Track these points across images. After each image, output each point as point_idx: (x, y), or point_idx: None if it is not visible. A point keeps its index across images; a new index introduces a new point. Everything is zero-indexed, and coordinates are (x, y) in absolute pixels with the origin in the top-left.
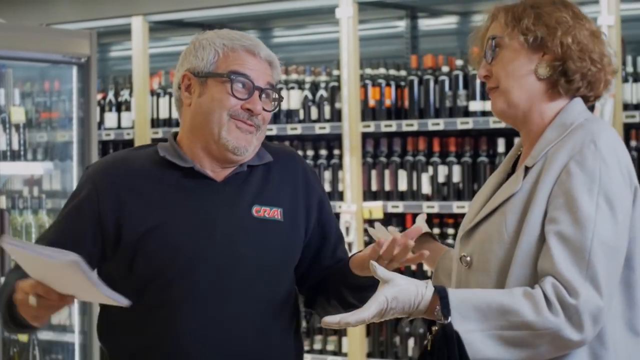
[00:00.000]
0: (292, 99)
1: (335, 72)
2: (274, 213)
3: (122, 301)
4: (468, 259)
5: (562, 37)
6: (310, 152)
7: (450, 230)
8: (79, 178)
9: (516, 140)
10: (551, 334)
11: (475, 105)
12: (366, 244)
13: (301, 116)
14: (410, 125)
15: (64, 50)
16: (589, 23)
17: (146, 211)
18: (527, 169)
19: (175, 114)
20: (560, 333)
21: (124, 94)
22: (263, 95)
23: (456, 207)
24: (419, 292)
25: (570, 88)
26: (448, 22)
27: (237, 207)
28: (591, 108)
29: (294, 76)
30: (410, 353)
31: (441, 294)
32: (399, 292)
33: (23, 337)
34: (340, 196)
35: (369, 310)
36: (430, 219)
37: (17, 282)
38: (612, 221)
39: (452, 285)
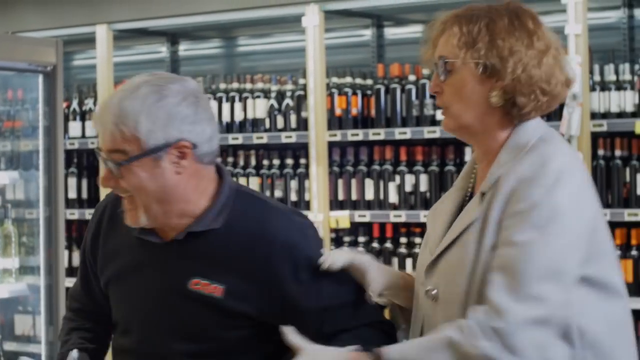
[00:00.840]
0: (258, 108)
1: (301, 81)
2: (214, 290)
3: None
4: (434, 292)
5: (514, 69)
6: (276, 162)
7: (417, 240)
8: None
9: None
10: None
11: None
12: None
13: (267, 125)
14: (377, 134)
15: (29, 58)
16: (542, 40)
17: (107, 259)
18: (482, 195)
19: None
20: (497, 357)
21: (88, 103)
22: (107, 165)
23: (423, 216)
24: (338, 354)
25: (524, 118)
26: (414, 30)
27: (174, 276)
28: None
29: (259, 85)
30: None
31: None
32: (313, 357)
33: None
34: (306, 205)
35: None
36: (398, 228)
37: None
38: (552, 245)
39: (417, 319)
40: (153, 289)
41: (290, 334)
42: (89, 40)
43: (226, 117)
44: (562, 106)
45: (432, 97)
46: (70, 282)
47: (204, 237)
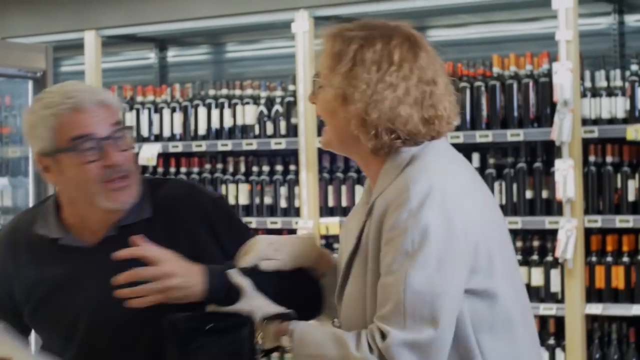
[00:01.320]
0: (247, 114)
1: (290, 87)
2: None
3: None
4: (338, 324)
5: (356, 104)
6: (266, 168)
7: None
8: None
9: (474, 155)
10: None
11: None
12: None
13: (256, 131)
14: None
15: (19, 64)
16: (401, 72)
17: (27, 290)
18: (365, 221)
19: None
20: None
21: None
22: (113, 141)
23: None
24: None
25: (379, 153)
26: None
27: (111, 272)
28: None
29: (249, 91)
30: None
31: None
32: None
33: None
34: (296, 212)
35: None
36: None
37: None
38: (425, 267)
39: None
40: (95, 297)
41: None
42: (77, 47)
43: (215, 124)
44: (553, 112)
45: None
46: None
47: (135, 230)
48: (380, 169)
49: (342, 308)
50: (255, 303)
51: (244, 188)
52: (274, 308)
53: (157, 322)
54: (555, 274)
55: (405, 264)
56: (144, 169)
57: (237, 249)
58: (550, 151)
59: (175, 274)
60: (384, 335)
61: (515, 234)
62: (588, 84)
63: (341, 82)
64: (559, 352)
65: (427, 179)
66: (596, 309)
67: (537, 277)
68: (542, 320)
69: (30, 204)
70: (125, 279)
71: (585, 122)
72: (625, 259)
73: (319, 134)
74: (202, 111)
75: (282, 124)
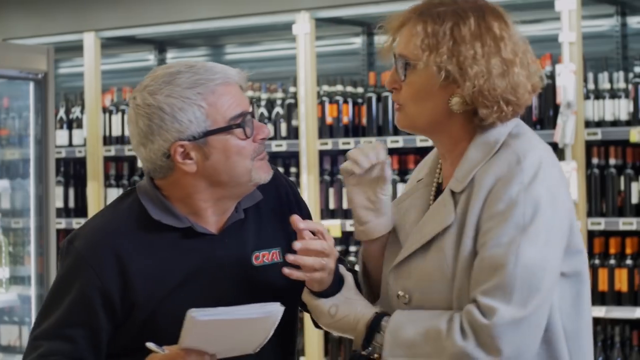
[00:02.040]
0: None
1: (291, 89)
2: (273, 256)
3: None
4: (406, 298)
5: (475, 80)
6: None
7: None
8: (62, 253)
9: None
10: (460, 358)
11: None
12: None
13: None
14: (369, 142)
15: (20, 65)
16: (509, 47)
17: (150, 284)
18: (453, 194)
19: (128, 131)
20: (469, 357)
21: (75, 111)
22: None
23: None
24: (362, 311)
25: (484, 126)
26: None
27: (238, 260)
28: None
29: (249, 93)
30: None
31: (372, 323)
32: (345, 302)
33: None
34: None
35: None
36: None
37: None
38: (535, 242)
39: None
40: (222, 282)
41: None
42: (75, 48)
43: None
44: (556, 114)
45: None
46: None
47: (256, 213)
48: (466, 144)
49: (416, 282)
50: (352, 297)
51: None
52: (370, 308)
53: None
54: None
55: (517, 237)
56: (144, 171)
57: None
58: None
59: (334, 254)
60: (489, 312)
61: None
62: (591, 86)
63: (446, 60)
64: None
65: (537, 155)
66: (599, 311)
67: None
68: None
69: (32, 207)
70: (302, 247)
71: (588, 124)
72: (629, 261)
73: (320, 136)
74: None
75: (283, 126)
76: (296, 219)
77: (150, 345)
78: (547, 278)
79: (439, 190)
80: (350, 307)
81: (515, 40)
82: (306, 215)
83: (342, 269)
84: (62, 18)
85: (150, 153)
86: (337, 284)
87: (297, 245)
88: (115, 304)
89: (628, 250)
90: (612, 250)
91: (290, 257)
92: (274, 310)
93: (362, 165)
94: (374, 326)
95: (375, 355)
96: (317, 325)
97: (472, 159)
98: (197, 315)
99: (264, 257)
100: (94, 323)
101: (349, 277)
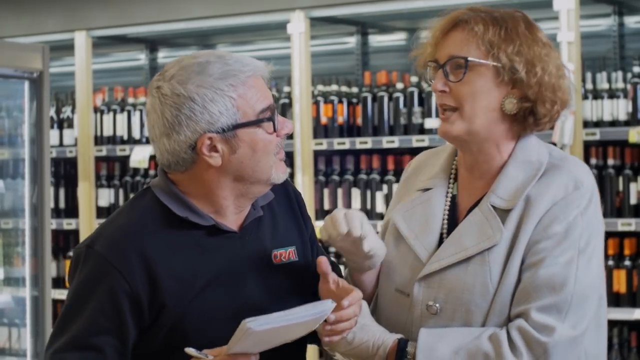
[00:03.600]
0: None
1: (285, 89)
2: (290, 254)
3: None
4: (436, 307)
5: (540, 77)
6: None
7: None
8: (79, 259)
9: None
10: None
11: (431, 123)
12: None
13: None
14: (364, 142)
15: (15, 64)
16: (554, 52)
17: (179, 283)
18: (495, 209)
19: (120, 131)
20: None
21: (66, 111)
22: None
23: None
24: (381, 337)
25: (538, 127)
26: (398, 38)
27: (259, 258)
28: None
29: None
30: None
31: (400, 346)
32: (361, 329)
33: None
34: None
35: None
36: None
37: None
38: (591, 265)
39: (393, 322)
40: (246, 281)
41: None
42: (66, 47)
43: None
44: None
45: (420, 105)
46: (59, 293)
47: (270, 211)
48: (502, 160)
49: (450, 292)
50: (368, 324)
51: None
52: (389, 334)
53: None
54: None
55: (575, 258)
56: (136, 171)
57: (309, 232)
58: None
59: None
60: (546, 330)
61: None
62: (589, 85)
63: (510, 59)
64: None
65: (591, 180)
66: None
67: None
68: None
69: (27, 207)
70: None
71: (586, 124)
72: (627, 262)
73: (315, 136)
74: None
75: None
76: (323, 264)
77: (190, 350)
78: (597, 301)
79: (453, 201)
80: (369, 333)
81: (556, 54)
82: (306, 217)
83: None
84: (53, 17)
85: (175, 145)
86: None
87: (331, 318)
88: (144, 308)
89: (626, 251)
90: (610, 251)
91: (327, 328)
92: (327, 309)
93: (331, 233)
94: (400, 352)
95: None
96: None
97: (516, 177)
98: (254, 326)
99: (282, 255)
100: (122, 330)
101: (364, 305)
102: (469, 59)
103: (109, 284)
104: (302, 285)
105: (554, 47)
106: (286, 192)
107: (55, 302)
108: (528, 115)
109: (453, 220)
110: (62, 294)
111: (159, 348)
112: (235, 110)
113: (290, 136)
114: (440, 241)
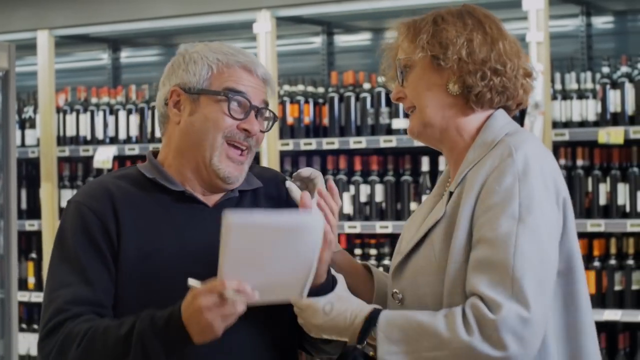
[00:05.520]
0: None
1: None
2: None
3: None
4: (400, 295)
5: (456, 53)
6: None
7: (373, 251)
8: (64, 212)
9: (441, 159)
10: (466, 352)
11: (399, 123)
12: None
13: None
14: (331, 143)
15: None
16: (494, 30)
17: (139, 237)
18: (450, 194)
19: (83, 131)
20: (475, 351)
21: (28, 111)
22: (258, 115)
23: (379, 227)
24: (358, 307)
25: (481, 102)
26: (363, 38)
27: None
28: (520, 124)
29: None
30: None
31: (370, 316)
32: (339, 299)
33: None
34: None
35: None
36: (352, 239)
37: (195, 290)
38: (534, 235)
39: None
40: (215, 252)
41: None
42: (28, 47)
43: None
44: (523, 115)
45: (387, 105)
46: (22, 295)
47: (251, 197)
48: (469, 144)
49: (409, 278)
50: (346, 295)
51: None
52: (367, 305)
53: None
54: None
55: (512, 229)
56: (99, 172)
57: None
58: None
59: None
60: (494, 307)
61: None
62: (558, 86)
63: (428, 44)
64: None
65: (529, 147)
66: None
67: None
68: None
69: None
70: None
71: (555, 124)
72: (596, 263)
73: (281, 136)
74: None
75: None
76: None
77: (191, 281)
78: (549, 273)
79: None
80: (346, 303)
81: (505, 32)
82: None
83: (333, 271)
84: (15, 16)
85: (159, 97)
86: (330, 284)
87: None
88: (114, 242)
89: (596, 252)
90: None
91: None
92: (312, 220)
93: None
94: (371, 319)
95: (371, 353)
96: (301, 346)
97: (470, 158)
98: (234, 218)
99: None
100: (102, 258)
101: (340, 278)
102: (399, 58)
103: (85, 221)
104: None
105: (504, 32)
106: (278, 186)
107: (19, 304)
108: (468, 92)
109: None
110: (23, 296)
111: (125, 296)
112: (207, 78)
113: None
114: None
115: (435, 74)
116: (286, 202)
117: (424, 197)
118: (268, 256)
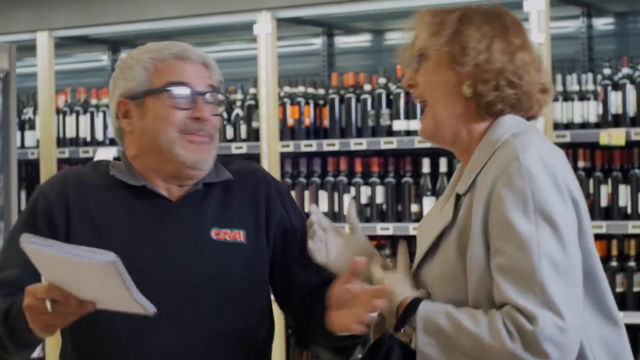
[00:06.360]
0: None
1: (251, 90)
2: (235, 235)
3: (149, 308)
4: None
5: (474, 59)
6: None
7: None
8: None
9: (442, 160)
10: (507, 359)
11: (400, 125)
12: None
13: None
14: (332, 144)
15: None
16: (519, 38)
17: (93, 232)
18: (458, 197)
19: (82, 133)
20: (517, 359)
21: (28, 112)
22: (207, 100)
23: (380, 228)
24: (404, 292)
25: (490, 111)
26: (363, 39)
27: (194, 230)
28: None
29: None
30: None
31: (411, 304)
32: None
33: None
34: None
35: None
36: None
37: (26, 288)
38: (555, 237)
39: None
40: (174, 249)
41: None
42: (28, 48)
43: None
44: None
45: (388, 106)
46: None
47: (220, 189)
48: (477, 144)
49: (425, 286)
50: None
51: None
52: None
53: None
54: None
55: (533, 233)
56: None
57: (300, 224)
58: None
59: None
60: (531, 318)
61: None
62: (559, 87)
63: (448, 42)
64: None
65: (536, 148)
66: None
67: None
68: None
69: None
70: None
71: (557, 126)
72: None
73: (282, 138)
74: None
75: (243, 128)
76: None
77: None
78: (577, 274)
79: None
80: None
81: (528, 40)
82: (288, 209)
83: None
84: (15, 17)
85: (112, 113)
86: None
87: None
88: (58, 229)
89: (599, 254)
90: None
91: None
92: (106, 261)
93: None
94: (411, 308)
95: (406, 340)
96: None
97: (475, 158)
98: (26, 243)
99: (226, 234)
100: None
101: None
102: (419, 47)
103: (34, 205)
104: (245, 268)
105: (528, 40)
106: (257, 179)
107: None
108: (479, 98)
109: None
110: None
111: None
112: (146, 78)
113: (257, 138)
114: None
115: (451, 72)
116: (266, 200)
117: (424, 199)
118: (75, 276)
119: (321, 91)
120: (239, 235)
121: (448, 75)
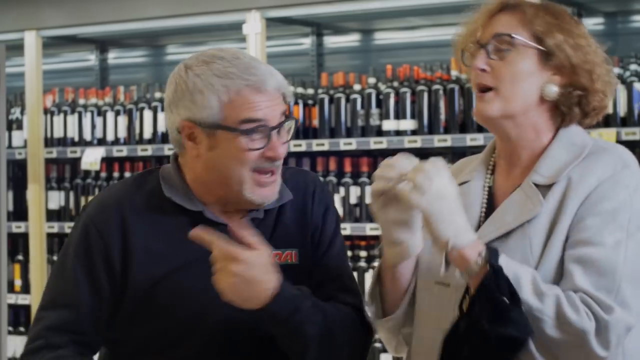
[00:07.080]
0: None
1: None
2: (287, 256)
3: None
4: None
5: (591, 67)
6: None
7: (363, 253)
8: (75, 221)
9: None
10: (578, 335)
11: (389, 125)
12: None
13: None
14: (321, 144)
15: None
16: (599, 47)
17: (152, 260)
18: (537, 187)
19: (70, 133)
20: (585, 339)
21: (15, 112)
22: (280, 132)
23: (369, 229)
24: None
25: (583, 121)
26: (353, 39)
27: None
28: None
29: None
30: None
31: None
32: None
33: None
34: None
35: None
36: None
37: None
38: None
39: (435, 307)
40: None
41: None
42: (15, 47)
43: (161, 127)
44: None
45: (378, 106)
46: (8, 298)
47: (278, 213)
48: (547, 143)
49: None
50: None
51: None
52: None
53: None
54: None
55: (622, 239)
56: (87, 174)
57: (329, 236)
58: None
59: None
60: (607, 309)
61: None
62: None
63: (564, 43)
64: None
65: (636, 165)
66: None
67: None
68: None
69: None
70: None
71: None
72: None
73: None
74: (147, 114)
75: None
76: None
77: None
78: None
79: (490, 192)
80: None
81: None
82: (325, 215)
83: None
84: (2, 16)
85: (170, 121)
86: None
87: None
88: (116, 270)
89: None
90: None
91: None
92: None
93: (390, 176)
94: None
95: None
96: None
97: (559, 157)
98: None
99: (277, 256)
100: (96, 286)
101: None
102: (514, 36)
103: (88, 242)
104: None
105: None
106: (307, 192)
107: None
108: (574, 106)
109: (490, 209)
110: (10, 299)
111: (131, 322)
112: (219, 110)
113: None
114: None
115: (539, 71)
116: (311, 213)
117: None
118: None
119: (310, 91)
120: (291, 256)
121: (535, 72)
